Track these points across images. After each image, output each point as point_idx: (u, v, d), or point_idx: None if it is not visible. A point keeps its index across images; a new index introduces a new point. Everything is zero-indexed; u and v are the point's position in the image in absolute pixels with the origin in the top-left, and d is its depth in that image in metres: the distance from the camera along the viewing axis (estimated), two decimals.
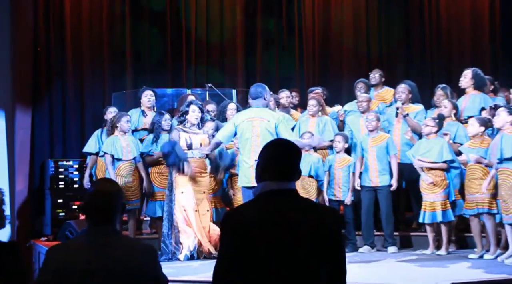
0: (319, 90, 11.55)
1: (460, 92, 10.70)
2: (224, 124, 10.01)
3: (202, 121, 9.92)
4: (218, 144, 9.18)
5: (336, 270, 3.46)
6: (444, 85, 10.91)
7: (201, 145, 9.64)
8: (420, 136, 10.12)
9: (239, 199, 10.07)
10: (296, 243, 3.35)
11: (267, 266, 3.33)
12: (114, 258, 3.66)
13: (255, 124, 8.58)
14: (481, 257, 9.12)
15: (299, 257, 3.34)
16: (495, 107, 9.53)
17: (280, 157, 3.56)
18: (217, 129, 10.17)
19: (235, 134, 8.85)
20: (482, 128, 9.21)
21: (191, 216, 9.48)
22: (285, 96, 11.26)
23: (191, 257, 9.32)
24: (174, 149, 9.44)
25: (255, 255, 3.34)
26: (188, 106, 9.78)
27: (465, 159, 9.27)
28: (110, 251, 3.68)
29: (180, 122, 9.78)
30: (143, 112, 11.04)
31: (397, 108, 10.52)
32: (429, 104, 11.12)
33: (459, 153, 9.62)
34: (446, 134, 9.81)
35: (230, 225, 3.45)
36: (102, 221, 3.77)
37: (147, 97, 11.07)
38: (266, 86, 8.92)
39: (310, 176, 10.10)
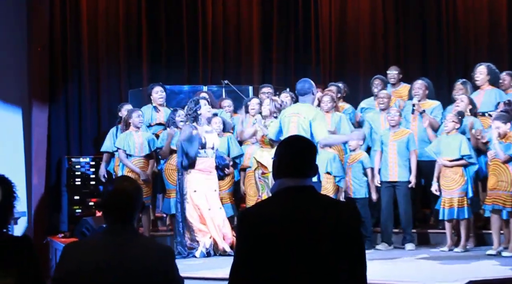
0: (334, 87, 11.44)
1: (476, 86, 10.64)
2: (228, 120, 10.54)
3: (213, 116, 9.93)
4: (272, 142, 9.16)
5: (357, 266, 3.44)
6: (464, 79, 10.86)
7: (213, 145, 9.63)
8: (436, 131, 10.08)
9: (251, 195, 10.07)
10: (315, 240, 3.33)
11: (286, 263, 3.31)
12: (130, 258, 3.62)
13: (292, 120, 8.54)
14: (499, 253, 9.06)
15: (318, 253, 3.32)
16: (509, 102, 9.49)
17: (295, 154, 3.53)
18: (223, 123, 10.19)
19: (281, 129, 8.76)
20: (508, 125, 9.14)
21: (206, 215, 9.49)
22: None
23: (207, 254, 9.33)
24: (191, 142, 9.44)
25: (274, 253, 3.32)
26: (198, 102, 9.73)
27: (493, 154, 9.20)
28: (127, 251, 3.64)
29: (194, 120, 9.73)
30: (155, 108, 11.05)
31: (413, 105, 10.47)
32: (445, 100, 11.06)
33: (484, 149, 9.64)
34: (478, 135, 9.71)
35: (247, 223, 3.43)
36: (121, 220, 3.73)
37: (158, 93, 11.09)
38: (312, 81, 8.84)
39: (327, 173, 10.05)
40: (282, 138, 8.56)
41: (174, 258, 3.84)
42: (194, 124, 9.69)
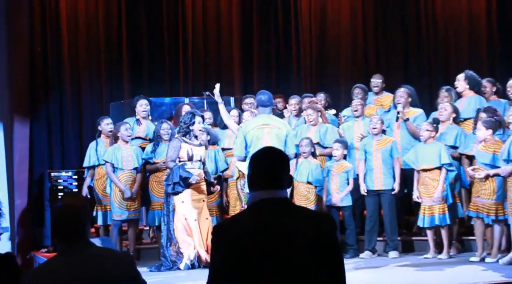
0: (313, 98, 11.47)
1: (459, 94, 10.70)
2: (214, 130, 10.51)
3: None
4: (243, 160, 9.08)
5: (335, 277, 3.42)
6: (448, 86, 10.86)
7: (201, 157, 9.63)
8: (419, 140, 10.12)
9: (233, 206, 10.13)
10: (291, 252, 3.31)
11: (261, 276, 3.29)
12: (91, 273, 3.63)
13: (265, 131, 8.56)
14: (482, 260, 9.10)
15: (295, 265, 3.30)
16: (489, 109, 9.53)
17: (267, 166, 3.51)
18: (208, 134, 10.18)
19: (246, 143, 8.78)
20: (490, 131, 9.16)
21: (192, 225, 9.47)
22: (293, 102, 11.35)
23: (192, 266, 9.31)
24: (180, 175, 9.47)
25: (250, 266, 3.30)
26: (193, 117, 9.72)
27: (474, 175, 9.18)
28: (86, 267, 3.65)
29: (185, 133, 9.72)
30: (137, 120, 11.01)
31: (398, 113, 10.51)
32: (426, 107, 11.11)
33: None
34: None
35: (221, 237, 3.41)
36: (72, 238, 3.75)
37: (142, 106, 11.03)
38: (270, 93, 8.95)
39: (308, 182, 10.08)
40: (250, 152, 8.62)
41: (134, 262, 3.88)
42: (184, 138, 9.66)
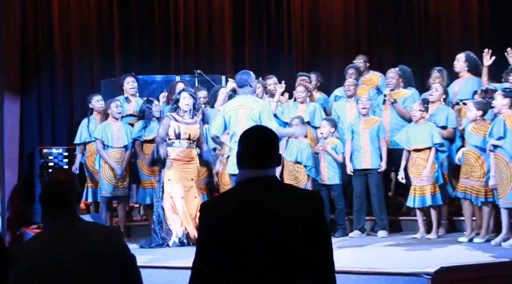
0: (306, 77, 11.48)
1: (453, 76, 10.64)
2: (210, 110, 10.35)
3: (195, 108, 9.86)
4: (215, 139, 9.08)
5: (324, 255, 3.45)
6: (440, 67, 10.84)
7: (190, 135, 9.62)
8: (410, 121, 10.12)
9: (224, 184, 10.15)
10: (280, 230, 3.32)
11: (249, 254, 3.30)
12: (78, 248, 3.66)
13: (240, 112, 8.57)
14: (470, 240, 9.14)
15: (284, 244, 3.31)
16: (486, 90, 9.52)
17: (256, 145, 3.52)
18: (203, 114, 10.16)
19: (225, 123, 8.82)
20: (480, 112, 9.12)
21: (178, 204, 9.47)
22: (272, 82, 11.16)
23: (181, 244, 9.34)
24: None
25: (237, 244, 3.31)
26: (179, 93, 9.74)
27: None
28: (73, 242, 3.67)
29: (174, 110, 9.72)
30: (127, 98, 11.00)
31: (385, 95, 10.53)
32: (417, 88, 11.11)
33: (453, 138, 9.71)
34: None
35: (208, 215, 3.42)
36: (61, 212, 3.78)
37: (129, 84, 11.03)
38: (251, 73, 8.88)
39: (297, 162, 10.09)
40: (230, 132, 8.70)
41: (122, 236, 3.91)
42: (174, 114, 9.66)
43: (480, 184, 9.06)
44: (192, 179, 9.68)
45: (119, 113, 10.39)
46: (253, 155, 3.49)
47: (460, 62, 10.37)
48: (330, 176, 10.22)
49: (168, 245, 9.36)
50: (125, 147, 10.35)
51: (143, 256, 8.20)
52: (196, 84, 11.93)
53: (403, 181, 9.84)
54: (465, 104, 9.92)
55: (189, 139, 9.64)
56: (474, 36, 14.07)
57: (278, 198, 3.42)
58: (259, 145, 3.53)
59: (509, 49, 9.79)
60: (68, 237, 3.69)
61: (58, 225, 3.76)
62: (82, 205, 10.89)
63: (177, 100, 9.70)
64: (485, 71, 10.00)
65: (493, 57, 9.98)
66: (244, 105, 8.57)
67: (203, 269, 3.39)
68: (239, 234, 3.31)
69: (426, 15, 14.51)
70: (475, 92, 9.95)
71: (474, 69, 10.31)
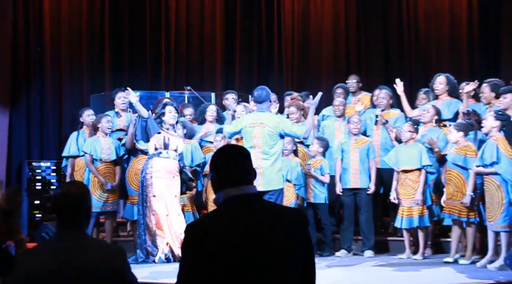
0: (295, 94, 11.50)
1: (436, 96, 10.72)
2: (191, 124, 10.55)
3: (176, 123, 9.88)
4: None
5: (309, 269, 3.45)
6: (426, 89, 10.94)
7: (177, 147, 9.63)
8: (400, 141, 10.14)
9: (212, 201, 10.11)
10: (266, 247, 3.30)
11: (236, 272, 3.27)
12: (82, 263, 3.66)
13: (256, 130, 8.62)
14: (455, 261, 9.15)
15: (270, 260, 3.30)
16: (468, 112, 9.59)
17: (232, 163, 3.51)
18: (184, 127, 10.16)
19: (238, 133, 8.98)
20: (461, 133, 9.20)
21: (162, 221, 9.43)
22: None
23: (167, 260, 9.31)
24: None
25: (224, 264, 3.28)
26: (163, 107, 9.74)
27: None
28: (78, 256, 3.68)
29: (160, 123, 9.70)
30: (117, 113, 11.01)
31: (377, 116, 10.57)
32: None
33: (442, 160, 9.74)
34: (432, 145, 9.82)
35: (193, 237, 3.38)
36: (70, 225, 3.78)
37: (121, 99, 11.03)
38: (268, 89, 8.98)
39: (287, 180, 10.09)
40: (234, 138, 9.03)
41: (126, 257, 3.88)
42: (162, 128, 9.66)
43: (462, 203, 9.08)
44: (175, 196, 9.66)
45: (109, 128, 10.39)
46: (232, 173, 3.48)
47: (442, 84, 10.46)
48: (316, 195, 10.23)
49: (154, 261, 9.33)
50: (115, 161, 10.32)
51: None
52: (186, 101, 11.95)
53: (395, 201, 9.84)
54: (445, 125, 10.02)
55: (176, 151, 9.64)
56: (463, 57, 14.13)
57: (262, 215, 3.40)
58: (235, 162, 3.52)
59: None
60: (70, 250, 3.69)
61: (63, 237, 3.77)
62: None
63: (162, 114, 9.69)
64: (465, 97, 10.06)
65: (476, 85, 10.11)
66: (259, 123, 8.62)
67: None
68: (227, 253, 3.28)
69: (416, 35, 14.58)
70: (456, 114, 10.02)
71: (454, 92, 10.42)
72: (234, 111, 9.93)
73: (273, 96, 10.85)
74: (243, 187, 3.46)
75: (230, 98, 11.25)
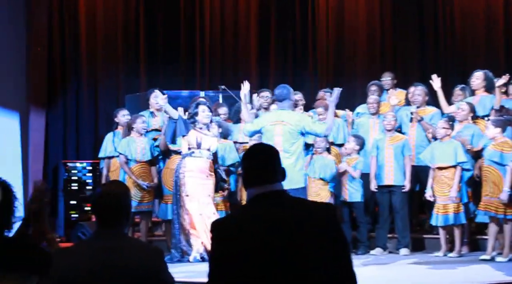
0: (321, 93, 11.42)
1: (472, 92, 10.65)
2: (227, 124, 10.62)
3: (210, 122, 9.90)
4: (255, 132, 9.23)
5: (342, 267, 3.40)
6: (463, 85, 10.86)
7: (210, 147, 9.64)
8: (436, 138, 10.09)
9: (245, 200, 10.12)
10: (292, 243, 3.28)
11: (264, 269, 3.26)
12: (119, 262, 3.65)
13: (277, 128, 8.62)
14: (492, 259, 9.07)
15: (296, 257, 3.27)
16: (500, 109, 9.51)
17: (259, 163, 3.52)
18: (219, 127, 10.20)
19: (259, 132, 8.97)
20: (498, 129, 9.14)
21: (196, 220, 9.43)
22: (298, 98, 11.12)
23: (202, 259, 9.31)
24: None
25: (250, 262, 3.28)
26: (196, 107, 9.76)
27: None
28: (115, 255, 3.67)
29: (191, 124, 9.73)
30: (152, 113, 11.06)
31: (412, 113, 10.51)
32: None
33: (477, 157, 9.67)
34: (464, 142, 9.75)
35: (219, 235, 3.41)
36: (109, 223, 3.78)
37: (155, 99, 11.09)
38: (290, 87, 8.98)
39: (320, 179, 10.07)
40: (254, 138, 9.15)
41: (163, 258, 3.86)
42: (195, 127, 9.67)
43: (499, 200, 9.00)
44: (209, 195, 9.67)
45: (144, 128, 10.44)
46: (257, 173, 3.49)
47: (478, 80, 10.38)
48: (351, 193, 10.20)
49: (189, 261, 9.35)
50: (150, 161, 10.37)
51: None
52: (220, 100, 11.96)
53: (431, 198, 9.77)
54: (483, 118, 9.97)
55: (208, 150, 9.65)
56: (500, 53, 14.00)
57: (289, 211, 3.39)
58: (262, 162, 3.52)
59: None
60: (109, 250, 3.68)
61: (102, 236, 3.78)
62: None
63: (196, 113, 9.70)
64: (497, 91, 9.96)
65: (507, 79, 10.00)
66: (281, 121, 8.62)
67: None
68: (254, 249, 3.28)
69: (452, 32, 14.48)
70: (492, 109, 9.94)
71: (491, 88, 10.29)
72: (259, 109, 9.97)
73: (298, 96, 10.81)
74: (270, 185, 3.46)
75: (264, 97, 11.24)
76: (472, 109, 10.06)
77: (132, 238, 3.90)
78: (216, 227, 3.47)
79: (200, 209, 9.45)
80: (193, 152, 9.58)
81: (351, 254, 3.51)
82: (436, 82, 10.57)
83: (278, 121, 8.66)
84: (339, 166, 10.23)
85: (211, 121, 9.90)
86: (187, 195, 9.47)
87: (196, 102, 9.94)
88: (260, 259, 3.27)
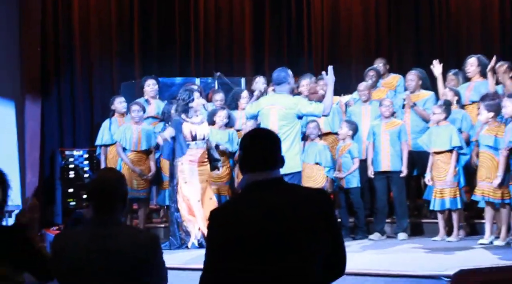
0: (314, 85, 11.37)
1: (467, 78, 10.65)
2: (234, 112, 10.48)
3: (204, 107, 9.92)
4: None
5: (335, 250, 3.44)
6: (456, 70, 10.88)
7: (204, 136, 9.62)
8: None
9: None
10: (287, 229, 3.30)
11: (258, 257, 3.28)
12: (113, 248, 3.69)
13: (272, 112, 8.57)
14: (491, 243, 9.10)
15: (291, 242, 3.29)
16: (489, 94, 9.51)
17: (257, 148, 3.51)
18: (229, 117, 10.20)
19: (257, 115, 8.94)
20: (491, 114, 9.15)
21: (195, 206, 9.45)
22: (305, 83, 11.10)
23: (200, 245, 9.33)
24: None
25: (246, 248, 3.29)
26: (191, 94, 9.69)
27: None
28: (110, 242, 3.71)
29: (184, 111, 9.69)
30: (147, 101, 11.05)
31: (404, 99, 10.51)
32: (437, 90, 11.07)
33: (468, 141, 9.67)
34: None
35: (216, 222, 3.43)
36: (105, 210, 3.81)
37: (150, 86, 11.09)
38: (289, 70, 8.85)
39: (316, 163, 10.08)
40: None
41: (159, 244, 3.90)
42: (183, 116, 9.63)
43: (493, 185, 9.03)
44: (206, 181, 9.68)
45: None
46: (256, 158, 3.48)
47: (473, 66, 10.38)
48: (348, 179, 10.22)
49: (187, 247, 9.37)
50: (147, 150, 10.37)
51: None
52: (216, 87, 11.95)
53: (430, 183, 9.78)
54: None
55: (203, 139, 9.63)
56: (495, 37, 14.00)
57: (285, 198, 3.40)
58: (261, 147, 3.51)
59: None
60: (102, 238, 3.72)
61: (95, 225, 3.81)
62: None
63: (190, 101, 9.65)
64: (490, 76, 9.97)
65: (494, 62, 9.98)
66: (276, 104, 8.57)
67: (214, 270, 3.39)
68: (250, 235, 3.30)
69: (447, 16, 14.47)
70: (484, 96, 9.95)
71: (486, 73, 10.29)
72: (261, 92, 9.94)
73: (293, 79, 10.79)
74: (268, 172, 3.46)
75: (260, 83, 11.22)
76: (456, 93, 10.10)
77: (127, 225, 3.92)
78: (213, 215, 3.48)
79: (198, 195, 9.46)
80: (189, 145, 9.55)
81: (343, 239, 3.54)
82: (437, 68, 10.56)
83: (274, 105, 8.62)
84: (336, 175, 10.23)
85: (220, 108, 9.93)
86: (185, 182, 9.47)
87: (188, 89, 9.83)
88: (256, 245, 3.29)
